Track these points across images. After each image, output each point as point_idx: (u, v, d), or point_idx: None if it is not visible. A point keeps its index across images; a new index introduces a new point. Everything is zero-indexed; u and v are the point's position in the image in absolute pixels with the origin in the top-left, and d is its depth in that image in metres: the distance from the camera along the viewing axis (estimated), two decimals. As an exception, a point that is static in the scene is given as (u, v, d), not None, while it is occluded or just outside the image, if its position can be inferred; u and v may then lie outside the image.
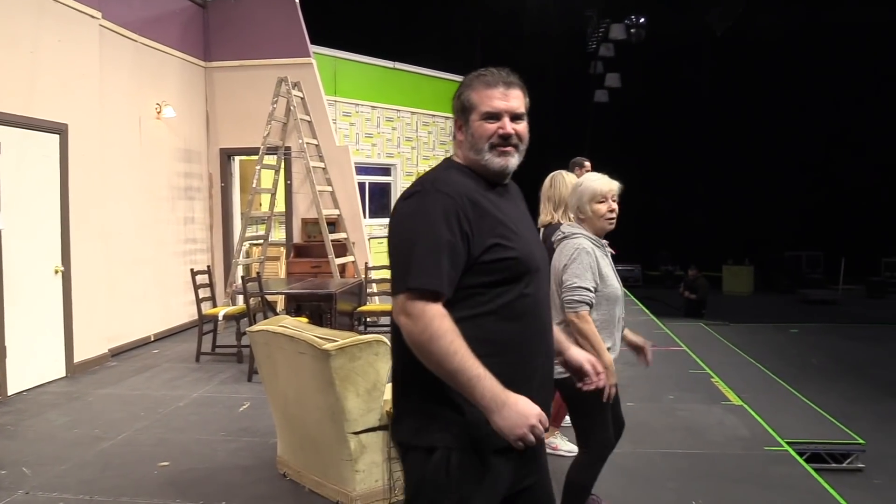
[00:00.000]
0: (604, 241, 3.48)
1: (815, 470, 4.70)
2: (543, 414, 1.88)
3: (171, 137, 9.25)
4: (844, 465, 5.76)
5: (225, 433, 5.33)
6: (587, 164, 7.10)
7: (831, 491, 4.24)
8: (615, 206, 3.40)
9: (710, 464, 4.69)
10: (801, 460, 4.79)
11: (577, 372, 2.43)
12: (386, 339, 3.90)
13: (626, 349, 3.57)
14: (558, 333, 2.41)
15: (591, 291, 3.28)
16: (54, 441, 5.19)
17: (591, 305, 3.29)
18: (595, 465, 3.40)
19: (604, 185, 3.39)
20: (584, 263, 3.31)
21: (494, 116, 2.04)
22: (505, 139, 2.04)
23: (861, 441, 5.93)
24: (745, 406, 5.98)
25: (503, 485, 2.03)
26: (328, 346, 3.73)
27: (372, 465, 3.92)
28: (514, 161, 2.08)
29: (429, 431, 1.98)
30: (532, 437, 1.84)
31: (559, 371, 3.42)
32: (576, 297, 3.27)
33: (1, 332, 6.18)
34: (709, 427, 5.45)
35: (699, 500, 4.11)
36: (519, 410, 1.84)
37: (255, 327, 4.41)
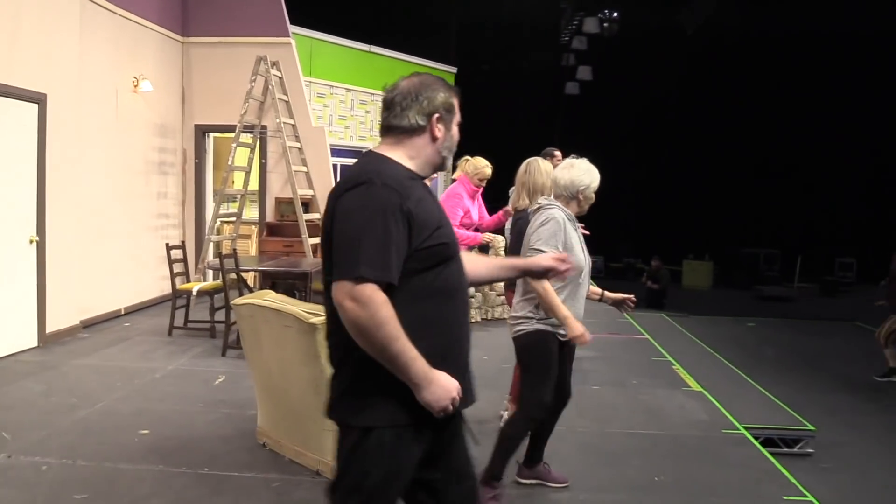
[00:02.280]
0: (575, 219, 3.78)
1: (769, 453, 4.97)
2: (458, 387, 2.12)
3: (146, 111, 9.22)
4: (796, 449, 6.06)
5: (203, 404, 5.43)
6: (557, 153, 7.27)
7: (783, 470, 4.51)
8: None
9: (671, 444, 4.93)
10: (756, 443, 5.06)
11: (619, 303, 3.11)
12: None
13: (611, 309, 3.88)
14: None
15: None
16: (32, 408, 5.24)
17: None
18: (524, 422, 3.70)
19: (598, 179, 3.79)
20: (551, 230, 3.61)
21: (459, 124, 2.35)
22: None
23: (812, 428, 6.25)
24: (705, 392, 6.25)
25: (422, 451, 2.22)
26: (315, 320, 3.86)
27: (352, 436, 4.07)
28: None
29: (365, 412, 2.14)
30: (451, 408, 2.11)
31: (517, 329, 3.71)
32: None
33: (-25, 300, 6.19)
34: (670, 411, 5.70)
35: (661, 476, 4.34)
36: (443, 385, 2.08)
37: (240, 300, 4.52)
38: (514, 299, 3.91)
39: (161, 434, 4.78)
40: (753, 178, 20.46)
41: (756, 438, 5.22)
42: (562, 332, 3.66)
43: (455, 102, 2.29)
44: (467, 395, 2.22)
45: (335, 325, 2.16)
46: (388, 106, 2.26)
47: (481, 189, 6.43)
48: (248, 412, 5.18)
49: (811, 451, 6.14)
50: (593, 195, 3.81)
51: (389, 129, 2.26)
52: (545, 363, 3.69)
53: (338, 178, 10.67)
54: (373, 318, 2.00)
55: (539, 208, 3.81)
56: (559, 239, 3.61)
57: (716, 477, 4.39)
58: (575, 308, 3.68)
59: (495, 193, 8.86)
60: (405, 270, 2.09)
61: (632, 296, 3.92)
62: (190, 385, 5.94)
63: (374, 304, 2.00)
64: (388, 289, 2.05)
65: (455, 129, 2.31)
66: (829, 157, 19.44)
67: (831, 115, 19.12)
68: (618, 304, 3.93)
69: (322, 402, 3.91)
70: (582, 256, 3.70)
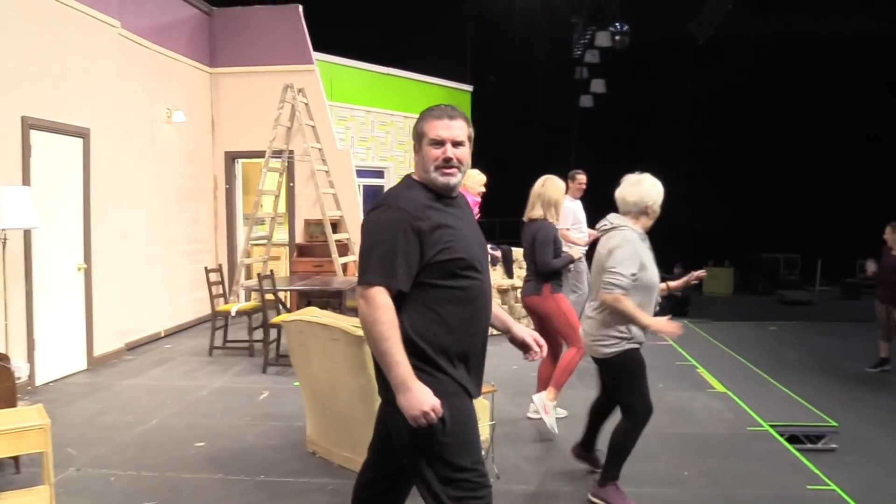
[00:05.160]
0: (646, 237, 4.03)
1: (794, 448, 5.17)
2: (438, 406, 2.35)
3: (179, 141, 9.61)
4: (819, 445, 6.24)
5: (250, 418, 5.73)
6: (581, 175, 7.67)
7: (807, 463, 4.73)
8: None
9: (698, 442, 5.16)
10: (780, 438, 5.27)
11: (521, 346, 2.85)
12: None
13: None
14: (501, 313, 2.87)
15: (627, 278, 3.76)
16: (91, 426, 5.56)
17: (625, 290, 3.77)
18: (637, 429, 3.93)
19: None
20: (628, 253, 3.82)
21: (439, 143, 2.52)
22: (446, 161, 2.51)
23: (834, 423, 6.41)
24: (729, 393, 6.47)
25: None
26: (361, 332, 4.15)
27: (398, 441, 4.34)
28: (454, 179, 2.55)
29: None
30: (423, 421, 2.34)
31: (604, 352, 3.92)
32: (612, 280, 3.78)
33: (31, 326, 6.54)
34: (696, 411, 5.93)
35: (690, 471, 4.57)
36: (418, 398, 2.33)
37: (288, 317, 4.82)
38: (591, 319, 4.03)
39: (216, 446, 5.08)
40: (771, 184, 20.55)
41: (781, 435, 5.42)
42: (641, 340, 3.93)
43: (423, 129, 2.55)
44: (472, 389, 2.56)
45: None
46: None
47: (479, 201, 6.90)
48: (294, 424, 5.47)
49: (835, 446, 6.30)
50: (659, 209, 4.02)
51: None
52: (642, 374, 3.96)
53: (360, 199, 11.11)
54: (370, 315, 2.38)
55: (612, 228, 3.99)
56: (635, 261, 3.81)
57: (742, 470, 4.61)
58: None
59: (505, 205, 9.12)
60: (423, 279, 2.44)
61: (701, 272, 4.24)
62: (236, 400, 6.24)
63: (374, 303, 2.38)
64: (400, 295, 2.41)
65: (427, 150, 2.53)
66: (843, 160, 19.52)
67: (845, 117, 19.22)
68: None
69: (369, 408, 4.23)
70: (654, 273, 3.92)
